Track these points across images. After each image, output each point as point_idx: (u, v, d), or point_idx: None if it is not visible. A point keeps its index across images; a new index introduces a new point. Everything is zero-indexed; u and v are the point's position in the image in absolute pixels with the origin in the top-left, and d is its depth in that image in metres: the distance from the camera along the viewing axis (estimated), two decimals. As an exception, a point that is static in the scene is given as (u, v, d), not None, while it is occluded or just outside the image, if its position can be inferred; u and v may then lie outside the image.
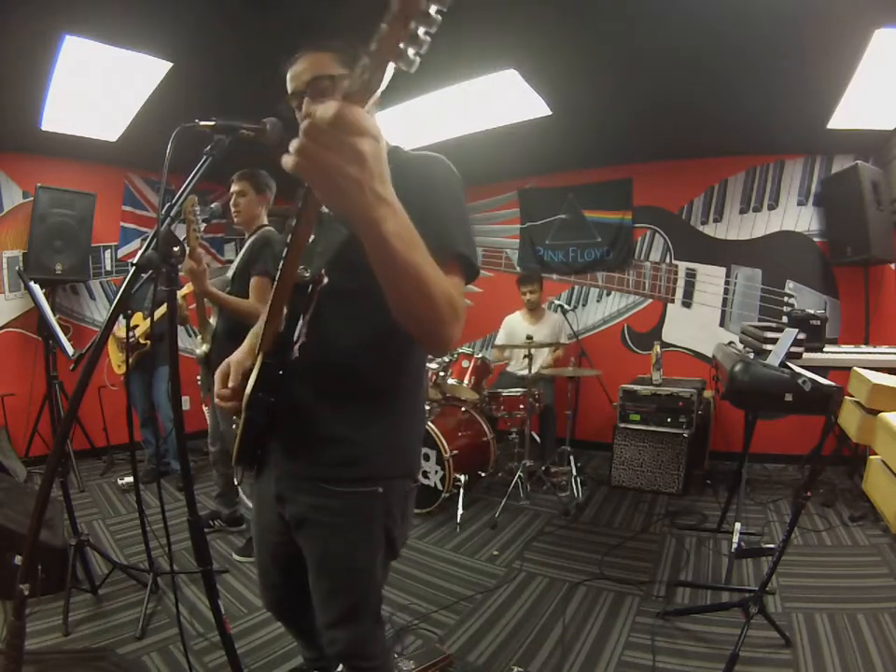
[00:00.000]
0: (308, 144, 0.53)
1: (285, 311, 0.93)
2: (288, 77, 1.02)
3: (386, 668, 1.20)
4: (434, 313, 0.74)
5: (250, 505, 2.63)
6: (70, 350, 2.13)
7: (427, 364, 3.23)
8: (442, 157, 0.98)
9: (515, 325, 4.06)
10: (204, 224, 1.85)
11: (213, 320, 2.30)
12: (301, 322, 0.98)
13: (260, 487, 1.15)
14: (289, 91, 1.02)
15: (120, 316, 3.39)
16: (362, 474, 1.01)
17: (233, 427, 1.11)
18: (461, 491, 3.00)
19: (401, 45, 0.48)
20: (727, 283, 4.06)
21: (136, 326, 3.19)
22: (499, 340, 4.12)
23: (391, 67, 0.51)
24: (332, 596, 1.08)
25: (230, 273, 2.31)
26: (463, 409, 3.40)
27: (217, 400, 1.04)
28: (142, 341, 3.18)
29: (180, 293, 2.90)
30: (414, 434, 1.11)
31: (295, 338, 0.98)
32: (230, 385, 1.03)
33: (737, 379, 1.80)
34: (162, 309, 2.93)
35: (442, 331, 0.78)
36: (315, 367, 0.97)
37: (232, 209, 2.31)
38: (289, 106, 1.03)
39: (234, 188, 2.30)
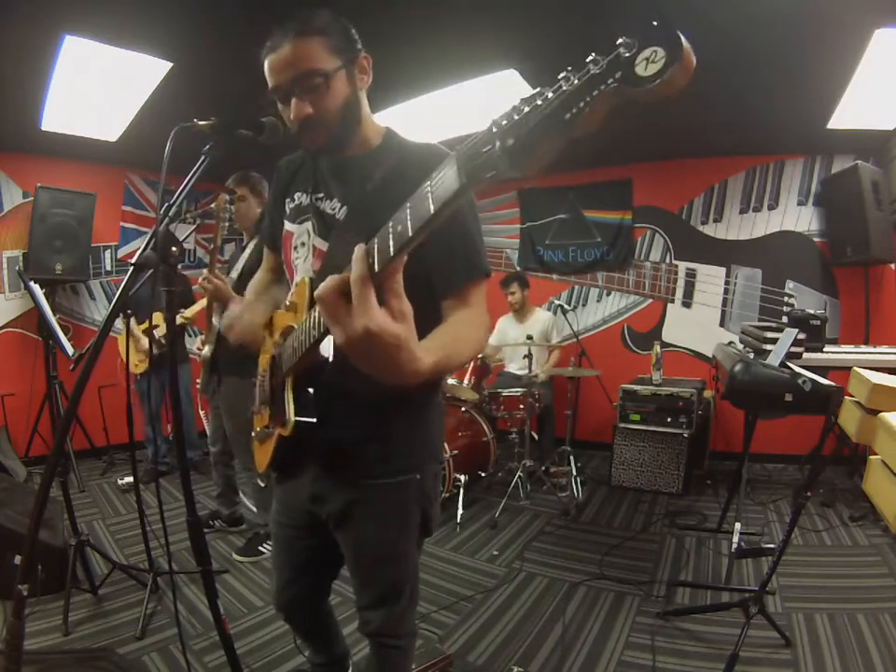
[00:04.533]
0: (349, 350, 0.58)
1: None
2: (267, 66, 0.90)
3: (411, 648, 1.23)
4: (469, 361, 0.86)
5: (249, 505, 2.64)
6: (70, 350, 2.14)
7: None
8: (449, 152, 0.96)
9: (504, 326, 4.08)
10: (228, 223, 1.85)
11: (216, 321, 2.30)
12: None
13: (287, 489, 1.16)
14: (271, 85, 0.91)
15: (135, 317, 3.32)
16: (401, 466, 1.04)
17: (252, 434, 1.11)
18: (461, 491, 3.00)
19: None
20: (727, 283, 4.06)
21: (157, 326, 3.19)
22: (492, 340, 4.13)
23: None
24: (375, 582, 1.12)
25: (234, 274, 2.31)
26: (463, 409, 3.40)
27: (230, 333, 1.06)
28: (163, 342, 3.16)
29: (190, 312, 2.93)
30: (439, 422, 1.16)
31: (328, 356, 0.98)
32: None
33: (737, 379, 1.81)
34: (193, 308, 2.95)
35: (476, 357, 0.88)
36: (346, 374, 0.94)
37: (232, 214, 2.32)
38: (271, 101, 0.94)
39: None
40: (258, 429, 1.10)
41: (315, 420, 0.92)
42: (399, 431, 1.03)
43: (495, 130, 0.41)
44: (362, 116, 0.99)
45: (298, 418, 0.91)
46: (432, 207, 0.48)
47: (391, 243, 0.52)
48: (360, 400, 0.98)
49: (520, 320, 4.01)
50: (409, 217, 0.50)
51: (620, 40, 0.36)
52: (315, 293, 0.59)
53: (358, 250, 0.55)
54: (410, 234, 0.50)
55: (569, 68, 0.38)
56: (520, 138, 0.39)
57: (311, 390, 0.92)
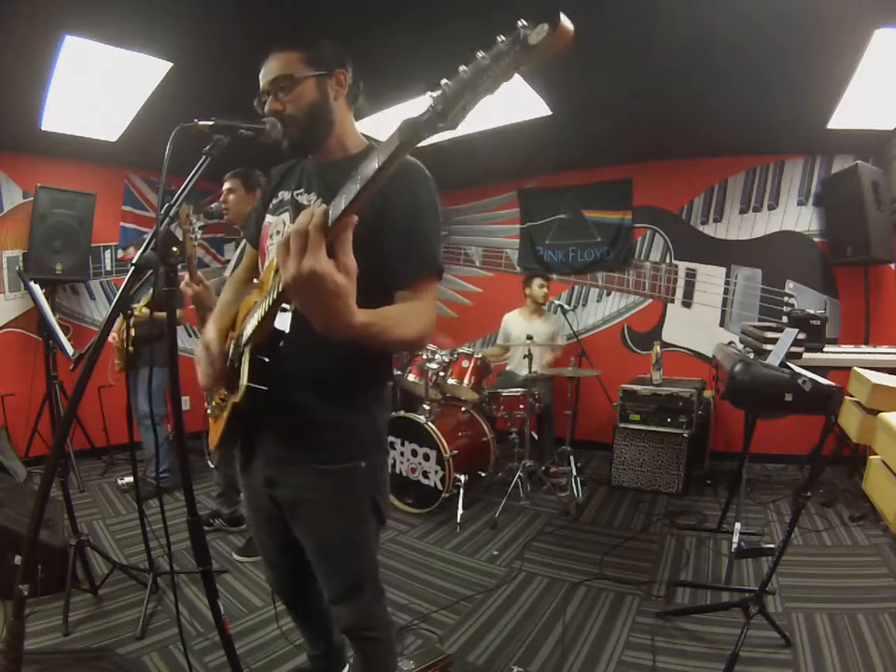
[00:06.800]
0: (293, 286, 0.65)
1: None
2: (260, 75, 1.08)
3: (390, 641, 1.27)
4: (413, 346, 0.98)
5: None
6: (70, 350, 2.14)
7: (428, 364, 3.23)
8: (418, 163, 1.05)
9: (512, 323, 4.06)
10: (201, 230, 1.86)
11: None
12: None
13: (249, 473, 1.20)
14: (260, 90, 1.08)
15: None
16: (347, 453, 1.09)
17: (208, 411, 1.15)
18: (461, 491, 3.00)
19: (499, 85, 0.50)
20: (727, 283, 4.06)
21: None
22: (500, 339, 4.14)
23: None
24: (332, 573, 1.16)
25: (227, 273, 2.32)
26: (463, 409, 3.40)
27: (202, 381, 1.08)
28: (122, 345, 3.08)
29: (137, 306, 2.86)
30: (386, 416, 1.21)
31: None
32: (213, 366, 1.07)
33: (737, 379, 1.80)
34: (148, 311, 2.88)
35: (418, 349, 0.95)
36: (300, 357, 1.02)
37: (222, 206, 2.35)
38: (261, 103, 1.08)
39: (226, 186, 2.35)
40: (213, 404, 1.14)
41: (264, 388, 0.97)
42: (346, 419, 1.08)
43: (430, 100, 0.53)
44: (335, 122, 1.10)
45: (250, 384, 0.95)
46: (376, 164, 0.59)
47: (343, 201, 0.63)
48: (316, 387, 1.05)
49: (531, 318, 3.99)
50: (358, 179, 0.61)
51: (520, 23, 0.48)
52: (284, 238, 0.66)
53: (320, 207, 0.65)
54: (358, 189, 0.61)
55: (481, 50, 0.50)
56: (447, 101, 0.51)
57: (267, 359, 0.97)
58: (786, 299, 3.69)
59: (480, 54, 0.49)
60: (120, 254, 3.46)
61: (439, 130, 0.53)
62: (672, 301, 4.25)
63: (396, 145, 0.56)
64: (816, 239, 3.80)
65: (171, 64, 2.56)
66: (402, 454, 3.16)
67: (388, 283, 0.99)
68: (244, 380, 0.96)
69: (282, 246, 0.66)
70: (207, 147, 1.03)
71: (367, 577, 1.17)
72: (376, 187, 0.60)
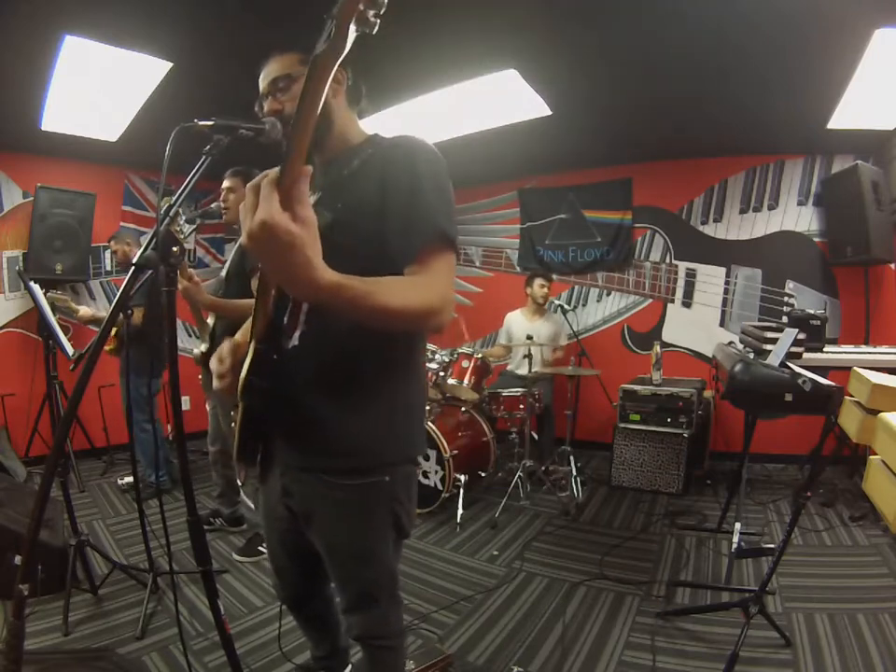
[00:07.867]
0: (249, 243, 0.65)
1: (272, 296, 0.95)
2: (260, 78, 1.07)
3: (400, 648, 1.24)
4: (410, 319, 0.85)
5: (251, 505, 2.64)
6: (70, 350, 2.14)
7: (427, 364, 3.23)
8: (423, 141, 1.01)
9: (515, 323, 4.06)
10: (191, 224, 1.85)
11: (210, 320, 2.30)
12: (290, 307, 1.02)
13: (267, 483, 1.18)
14: (260, 93, 1.08)
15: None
16: (366, 464, 1.02)
17: (232, 424, 1.12)
18: (461, 491, 3.00)
19: (361, 7, 0.53)
20: (727, 283, 4.06)
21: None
22: (502, 338, 4.14)
23: (354, 30, 0.56)
24: (347, 583, 1.13)
25: (223, 273, 2.31)
26: (463, 409, 3.40)
27: (216, 382, 1.03)
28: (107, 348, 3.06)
29: (79, 314, 2.89)
30: (417, 419, 1.13)
31: (285, 322, 1.01)
32: (226, 364, 1.02)
33: (737, 379, 1.80)
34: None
35: (429, 326, 0.88)
36: (315, 354, 0.99)
37: (222, 205, 2.33)
38: (261, 105, 1.08)
39: (226, 184, 2.32)
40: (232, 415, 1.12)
41: (266, 384, 0.95)
42: (367, 425, 1.01)
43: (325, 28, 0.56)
44: (335, 120, 1.07)
45: (251, 377, 0.93)
46: (299, 97, 0.60)
47: (284, 146, 0.63)
48: (331, 387, 1.00)
49: (533, 318, 3.99)
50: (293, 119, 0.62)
51: None
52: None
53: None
54: (290, 125, 0.63)
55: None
56: (334, 19, 0.54)
57: (267, 352, 0.95)
58: (786, 299, 3.69)
59: None
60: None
61: (335, 42, 0.55)
62: (672, 301, 4.25)
63: (310, 70, 0.57)
64: (816, 239, 3.80)
65: (171, 64, 2.56)
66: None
67: (396, 261, 0.92)
68: (243, 373, 0.94)
69: (241, 208, 0.66)
70: (207, 147, 1.03)
71: (382, 588, 1.13)
72: (307, 121, 0.61)
